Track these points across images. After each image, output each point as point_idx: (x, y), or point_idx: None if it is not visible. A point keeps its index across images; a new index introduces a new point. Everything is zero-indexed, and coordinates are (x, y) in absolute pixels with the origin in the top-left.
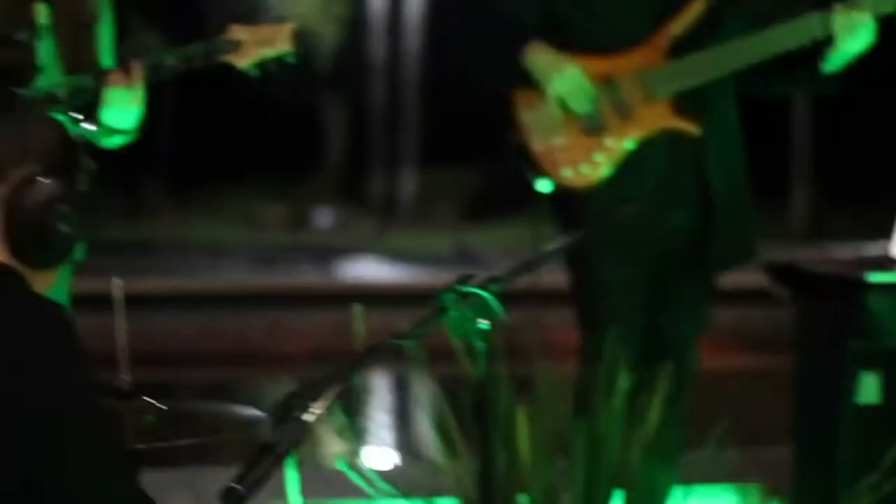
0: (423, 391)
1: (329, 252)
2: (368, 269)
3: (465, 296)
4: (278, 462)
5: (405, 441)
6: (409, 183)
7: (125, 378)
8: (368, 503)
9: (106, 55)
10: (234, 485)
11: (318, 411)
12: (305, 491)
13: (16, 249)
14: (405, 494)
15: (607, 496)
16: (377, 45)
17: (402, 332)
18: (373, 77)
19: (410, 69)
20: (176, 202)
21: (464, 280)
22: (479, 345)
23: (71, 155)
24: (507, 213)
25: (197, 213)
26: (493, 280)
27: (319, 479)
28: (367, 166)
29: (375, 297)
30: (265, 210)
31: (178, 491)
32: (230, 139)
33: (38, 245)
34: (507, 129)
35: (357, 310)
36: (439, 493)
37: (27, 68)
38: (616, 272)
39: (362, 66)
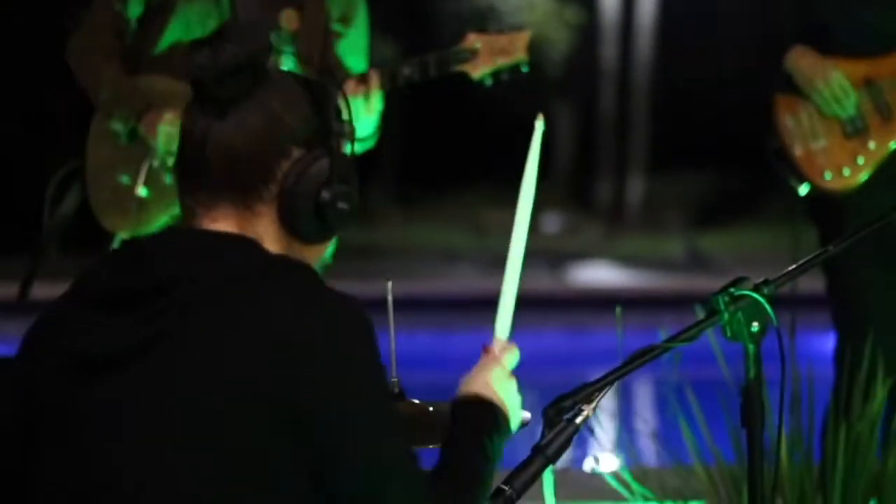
0: (675, 395)
1: (558, 257)
2: (599, 274)
3: (737, 298)
4: (548, 464)
5: (658, 444)
6: (637, 188)
7: (395, 380)
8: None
9: (358, 59)
10: (503, 486)
11: (587, 414)
12: (559, 494)
13: (287, 218)
14: (659, 498)
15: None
16: (608, 51)
17: (674, 335)
18: (603, 83)
19: (641, 75)
20: (403, 208)
21: (736, 282)
22: (751, 347)
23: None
24: (737, 219)
25: (423, 218)
26: (766, 283)
27: (570, 481)
28: (596, 171)
29: (608, 301)
30: (492, 215)
31: None
32: (457, 144)
33: (317, 220)
34: (765, 135)
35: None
36: (694, 496)
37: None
38: (876, 276)
39: (593, 72)
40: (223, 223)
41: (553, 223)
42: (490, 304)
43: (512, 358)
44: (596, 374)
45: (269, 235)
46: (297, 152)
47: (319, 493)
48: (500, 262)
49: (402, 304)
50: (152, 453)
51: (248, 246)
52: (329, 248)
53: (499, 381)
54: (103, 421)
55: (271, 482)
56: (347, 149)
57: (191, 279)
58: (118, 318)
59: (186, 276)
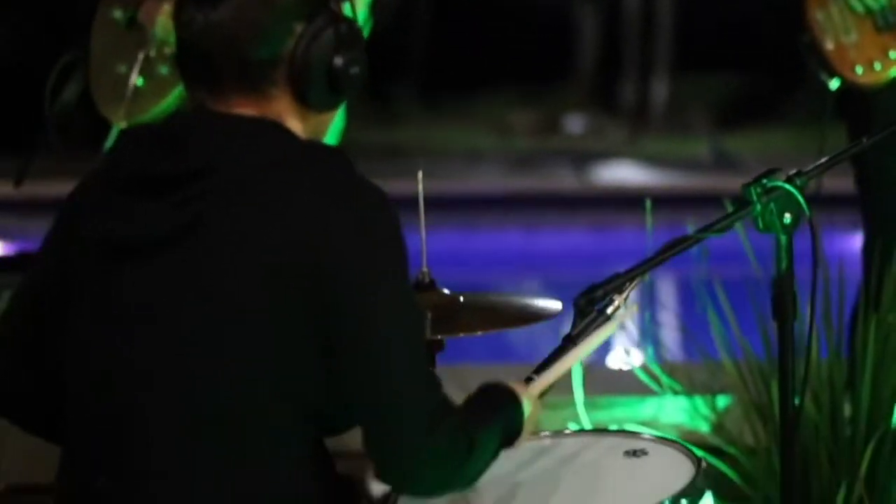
0: (704, 290)
1: (582, 157)
2: (624, 174)
3: (770, 190)
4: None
5: (686, 339)
6: (661, 89)
7: (425, 271)
8: (652, 399)
9: None
10: (533, 375)
11: (618, 304)
12: (589, 383)
13: (303, 94)
14: (687, 392)
15: (893, 396)
16: None
17: (706, 226)
18: None
19: None
20: (427, 109)
21: (769, 174)
22: (783, 239)
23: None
24: (763, 119)
25: (448, 119)
26: (799, 174)
27: (598, 376)
28: (620, 72)
29: (633, 200)
30: (516, 116)
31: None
32: (482, 45)
33: (331, 88)
34: (792, 33)
35: (647, 205)
36: (722, 390)
37: None
38: None
39: None
40: (240, 108)
41: (577, 124)
42: (513, 202)
43: (540, 409)
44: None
45: (286, 115)
46: (299, 27)
47: (334, 380)
48: (523, 163)
49: (427, 204)
50: (180, 337)
51: (278, 130)
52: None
53: (531, 399)
54: (134, 305)
55: (290, 367)
56: (347, 11)
57: (227, 165)
58: (153, 203)
59: (223, 162)
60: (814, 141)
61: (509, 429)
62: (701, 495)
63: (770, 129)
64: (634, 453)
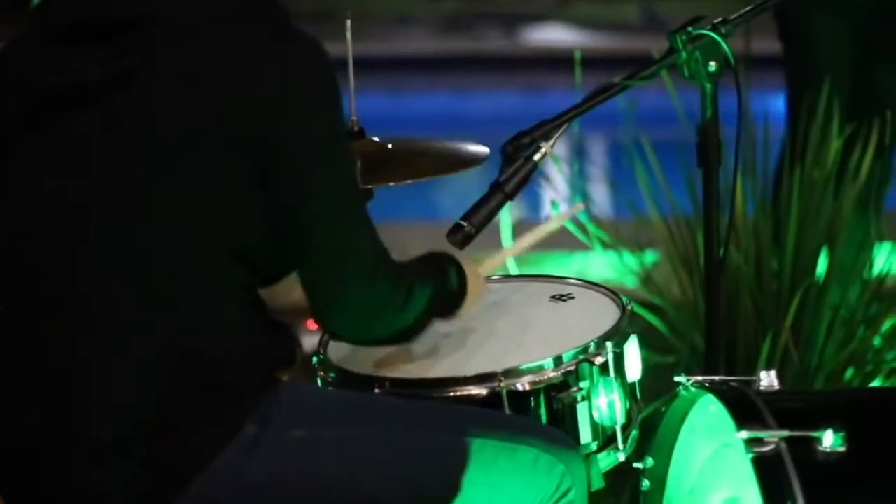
0: (633, 147)
1: (513, 19)
2: (554, 35)
3: (695, 38)
4: (506, 200)
5: (614, 194)
6: None
7: (354, 119)
8: (581, 254)
9: None
10: (461, 222)
11: (545, 151)
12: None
13: None
14: (615, 246)
15: (817, 250)
16: None
17: (632, 73)
18: None
19: None
20: None
21: (694, 21)
22: (708, 87)
23: None
24: None
25: None
26: (724, 22)
27: (527, 230)
28: None
29: (563, 61)
30: None
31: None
32: None
33: None
34: None
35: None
36: (649, 244)
37: None
38: (826, 23)
39: None
40: None
41: None
42: (442, 62)
43: (485, 289)
44: None
45: None
46: None
47: (273, 223)
48: (451, 24)
49: (356, 66)
50: (116, 185)
51: None
52: None
53: (475, 273)
54: (69, 154)
55: (225, 209)
56: None
57: (164, 15)
58: (89, 52)
59: (159, 12)
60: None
61: (448, 293)
62: (626, 338)
63: None
64: (561, 297)
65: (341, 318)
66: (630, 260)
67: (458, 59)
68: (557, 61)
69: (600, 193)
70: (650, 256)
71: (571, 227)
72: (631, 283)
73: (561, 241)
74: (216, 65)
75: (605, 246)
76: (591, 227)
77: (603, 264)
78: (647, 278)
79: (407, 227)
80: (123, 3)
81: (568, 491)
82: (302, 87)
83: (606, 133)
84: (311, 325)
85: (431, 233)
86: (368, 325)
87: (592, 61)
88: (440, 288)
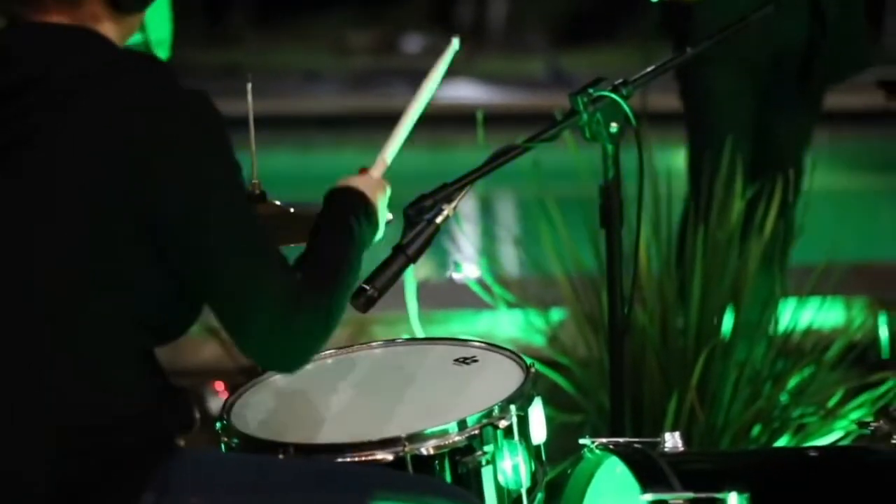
0: (537, 206)
1: (420, 76)
2: (461, 92)
3: (596, 100)
4: (409, 263)
5: (520, 253)
6: (497, 8)
7: (256, 182)
8: (488, 313)
9: None
10: (364, 285)
11: (447, 213)
12: (424, 298)
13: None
14: (521, 304)
15: (723, 308)
16: None
17: (534, 135)
18: None
19: None
20: (262, 30)
21: (595, 83)
22: (610, 148)
23: None
24: (597, 37)
25: (284, 39)
26: (624, 83)
27: (433, 290)
28: None
29: (469, 117)
30: (354, 35)
31: None
32: None
33: None
34: None
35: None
36: (555, 303)
37: None
38: (727, 82)
39: None
40: (56, 17)
41: (414, 43)
42: (351, 121)
43: (386, 187)
44: None
45: (99, 20)
46: None
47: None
48: (361, 82)
49: (264, 122)
50: (5, 252)
51: (94, 38)
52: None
53: (372, 185)
54: None
55: (128, 280)
56: None
57: (41, 81)
58: None
59: (37, 78)
60: (645, 58)
61: (362, 246)
62: (530, 401)
63: (603, 48)
64: (465, 360)
65: (267, 358)
66: (536, 319)
67: (364, 117)
68: (463, 118)
69: (506, 252)
70: (556, 315)
71: (476, 288)
72: (538, 341)
73: (467, 301)
74: (96, 126)
75: (511, 305)
76: (495, 287)
77: (509, 323)
78: (553, 337)
79: None
80: (17, 65)
81: None
82: (191, 137)
83: (511, 191)
84: (218, 386)
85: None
86: (297, 355)
87: (498, 117)
88: (355, 263)
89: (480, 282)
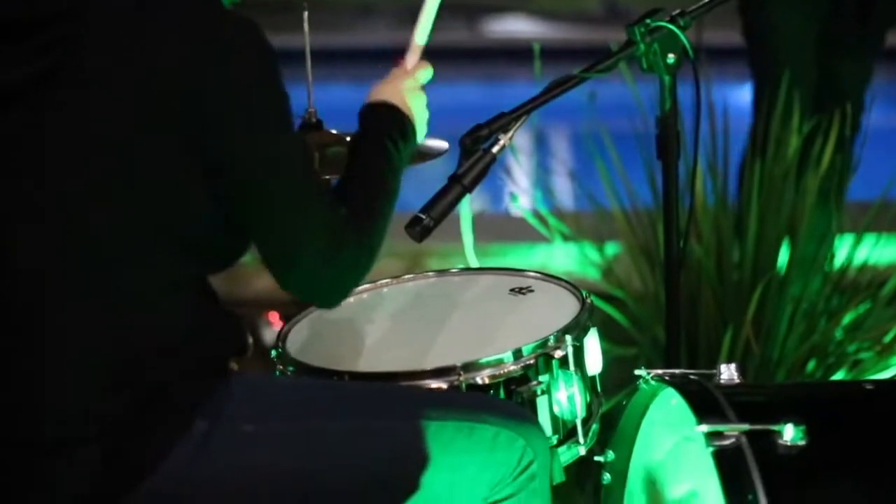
0: (592, 140)
1: (473, 10)
2: (516, 27)
3: (654, 30)
4: (465, 193)
5: (575, 186)
6: None
7: (312, 111)
8: (542, 246)
9: None
10: (420, 214)
11: (504, 143)
12: (478, 231)
13: None
14: (576, 237)
15: (779, 242)
16: None
17: (590, 65)
18: None
19: None
20: None
21: (652, 13)
22: (667, 79)
23: None
24: None
25: None
26: (682, 14)
27: (488, 222)
28: None
29: (524, 52)
30: None
31: None
32: None
33: None
34: None
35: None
36: (610, 237)
37: None
38: (789, 18)
39: None
40: None
41: None
42: (402, 54)
43: (424, 73)
44: None
45: None
46: None
47: (221, 209)
48: (414, 15)
49: (319, 56)
50: (50, 175)
51: None
52: None
53: (408, 91)
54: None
55: (167, 200)
56: None
57: (89, 8)
58: (10, 47)
59: (84, 5)
60: None
61: (402, 165)
62: (586, 331)
63: None
64: (520, 290)
65: (308, 292)
66: (591, 252)
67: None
68: (518, 53)
69: (561, 185)
70: (611, 248)
71: (532, 220)
72: (592, 274)
73: (522, 234)
74: (146, 55)
75: (566, 238)
76: (550, 220)
77: (564, 256)
78: (607, 270)
79: None
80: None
81: (530, 464)
82: (239, 66)
83: (566, 125)
84: (273, 317)
85: (391, 224)
86: (340, 290)
87: (553, 52)
88: (393, 188)
89: (536, 214)
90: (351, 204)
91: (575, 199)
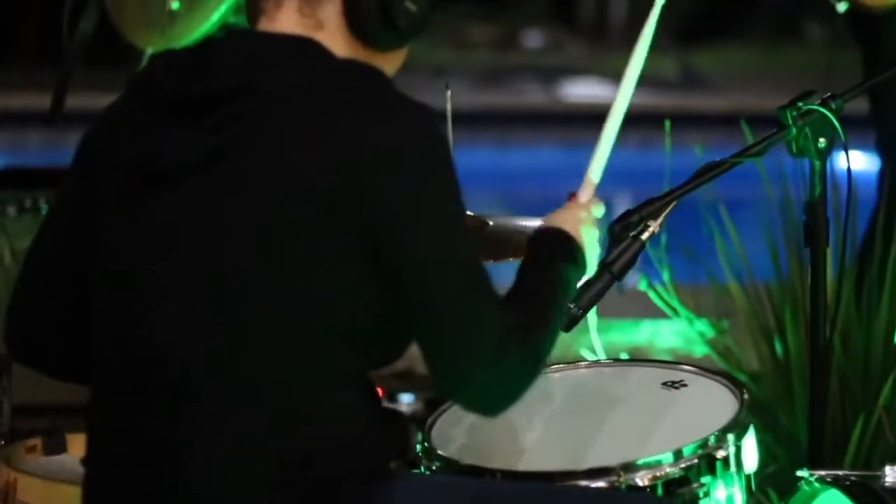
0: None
1: (544, 73)
2: (589, 90)
3: (806, 113)
4: (614, 281)
5: (692, 262)
6: (620, 4)
7: None
8: (646, 322)
9: None
10: (569, 304)
11: (654, 230)
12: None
13: (360, 29)
14: (698, 315)
15: None
16: None
17: (741, 150)
18: None
19: None
20: None
21: (804, 97)
22: (818, 164)
23: None
24: (728, 35)
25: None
26: (833, 97)
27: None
28: None
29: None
30: (477, 30)
31: None
32: None
33: (384, 23)
34: None
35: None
36: (730, 315)
37: None
38: None
39: None
40: (287, 26)
41: (534, 40)
42: (479, 117)
43: (598, 208)
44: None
45: (336, 42)
46: None
47: (386, 305)
48: (486, 78)
49: None
50: (218, 262)
51: (315, 50)
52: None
53: (583, 223)
54: (166, 230)
55: (338, 293)
56: None
57: (258, 87)
58: (182, 127)
59: (254, 84)
60: (776, 57)
61: (572, 290)
62: (746, 429)
63: (735, 45)
64: (673, 384)
65: (470, 398)
66: (705, 329)
67: (497, 114)
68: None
69: (675, 259)
70: (724, 325)
71: (653, 296)
72: (698, 351)
73: (634, 310)
74: (319, 143)
75: (679, 314)
76: (664, 294)
77: (670, 332)
78: (725, 349)
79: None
80: (228, 73)
81: None
82: (413, 159)
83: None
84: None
85: None
86: (499, 402)
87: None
88: (563, 309)
89: (656, 291)
90: (522, 314)
91: (689, 273)
